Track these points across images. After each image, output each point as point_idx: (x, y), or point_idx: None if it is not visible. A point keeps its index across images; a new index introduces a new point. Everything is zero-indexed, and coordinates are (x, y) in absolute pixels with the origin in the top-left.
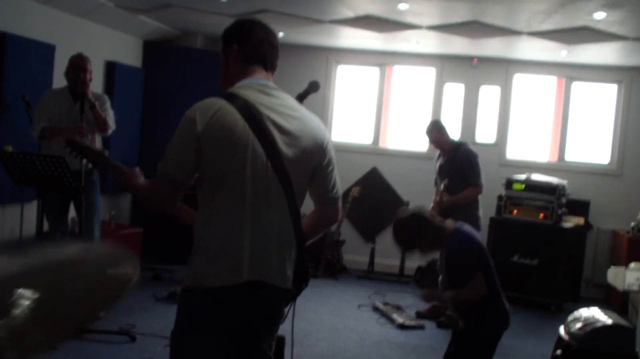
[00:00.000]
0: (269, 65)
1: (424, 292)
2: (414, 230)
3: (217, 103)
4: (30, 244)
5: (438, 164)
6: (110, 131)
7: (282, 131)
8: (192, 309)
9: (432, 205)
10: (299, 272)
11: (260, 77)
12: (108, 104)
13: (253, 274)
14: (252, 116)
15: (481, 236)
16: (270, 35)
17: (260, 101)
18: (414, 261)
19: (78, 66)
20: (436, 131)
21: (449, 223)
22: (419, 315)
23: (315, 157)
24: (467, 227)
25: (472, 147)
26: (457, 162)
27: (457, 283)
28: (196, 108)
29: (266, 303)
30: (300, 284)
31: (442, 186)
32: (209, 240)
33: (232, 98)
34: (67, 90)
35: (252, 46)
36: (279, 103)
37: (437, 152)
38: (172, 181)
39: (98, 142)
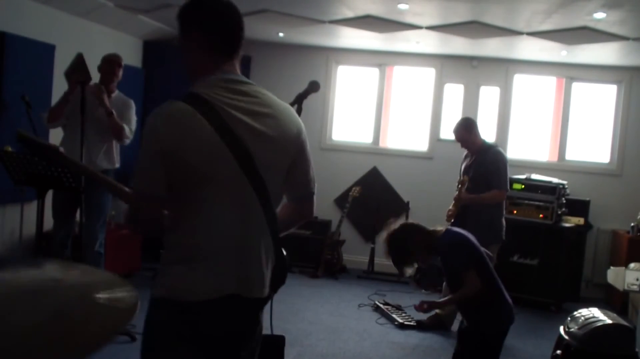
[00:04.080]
0: (236, 53)
1: (419, 304)
2: (404, 238)
3: (180, 109)
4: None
5: (464, 166)
6: (127, 141)
7: (255, 133)
8: (165, 322)
9: (449, 207)
10: (276, 274)
11: (227, 71)
12: (132, 111)
13: (228, 289)
14: (221, 121)
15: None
16: (236, 16)
17: (229, 102)
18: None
19: (113, 60)
20: (463, 129)
21: (439, 228)
22: (421, 325)
23: (290, 155)
24: (457, 229)
25: (499, 149)
26: (484, 165)
27: (454, 282)
28: (157, 115)
29: (245, 316)
30: (278, 286)
31: (458, 184)
32: (180, 251)
33: (197, 102)
34: (93, 88)
35: (219, 34)
36: (250, 101)
37: (464, 152)
38: (149, 197)
39: (115, 148)
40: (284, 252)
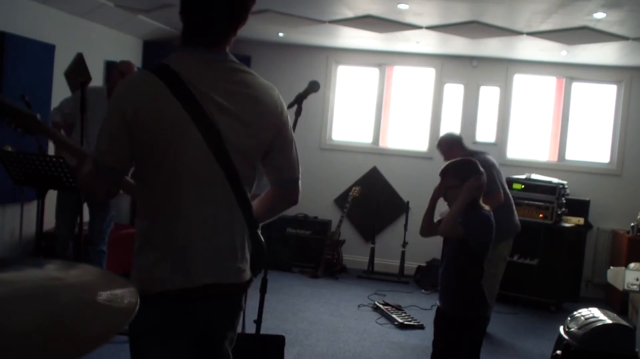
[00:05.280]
0: (215, 41)
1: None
2: (475, 175)
3: (150, 82)
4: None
5: None
6: None
7: (227, 112)
8: (144, 316)
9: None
10: (254, 259)
11: (207, 47)
12: None
13: (205, 277)
14: (188, 95)
15: None
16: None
17: (202, 78)
18: (414, 261)
19: (126, 74)
20: (445, 146)
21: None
22: None
23: (268, 138)
24: (492, 218)
25: (489, 156)
26: None
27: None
28: (126, 86)
29: (223, 303)
30: (256, 270)
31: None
32: (152, 239)
33: (164, 72)
34: (105, 91)
35: (190, 19)
36: (227, 79)
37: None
38: (109, 170)
39: None
40: (261, 237)
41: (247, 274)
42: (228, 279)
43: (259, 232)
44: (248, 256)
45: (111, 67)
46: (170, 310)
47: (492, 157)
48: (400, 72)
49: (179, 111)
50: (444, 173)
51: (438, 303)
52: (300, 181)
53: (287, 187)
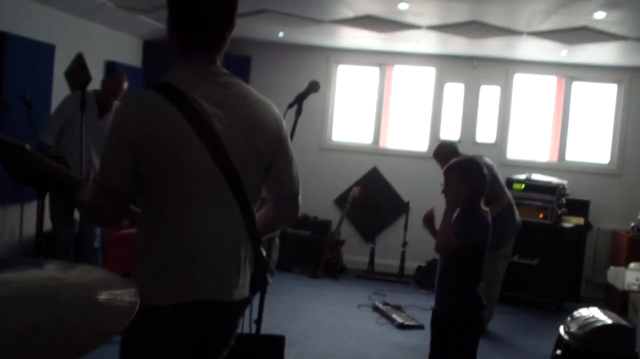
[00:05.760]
0: (210, 45)
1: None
2: (476, 175)
3: (151, 99)
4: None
5: None
6: None
7: (228, 127)
8: (138, 328)
9: None
10: (256, 277)
11: (203, 62)
12: None
13: (204, 292)
14: (192, 111)
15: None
16: (210, 6)
17: (202, 93)
18: (414, 261)
19: (117, 85)
20: (442, 155)
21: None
22: None
23: (268, 151)
24: (490, 220)
25: (487, 159)
26: None
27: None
28: (128, 105)
29: (221, 319)
30: (256, 289)
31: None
32: (153, 252)
33: (167, 90)
34: (94, 98)
35: (186, 20)
36: (224, 93)
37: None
38: (113, 191)
39: None
40: (264, 253)
41: (246, 291)
42: (227, 296)
43: (262, 248)
44: (249, 272)
45: (110, 67)
46: (167, 322)
47: (489, 160)
48: (400, 72)
49: (184, 126)
50: (448, 170)
51: (433, 304)
52: (300, 197)
53: (287, 202)
